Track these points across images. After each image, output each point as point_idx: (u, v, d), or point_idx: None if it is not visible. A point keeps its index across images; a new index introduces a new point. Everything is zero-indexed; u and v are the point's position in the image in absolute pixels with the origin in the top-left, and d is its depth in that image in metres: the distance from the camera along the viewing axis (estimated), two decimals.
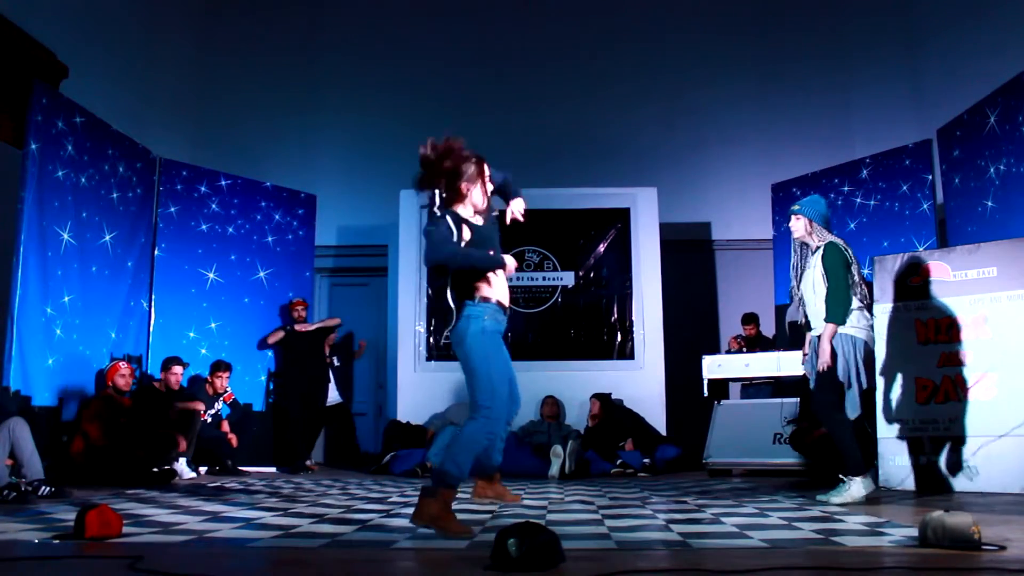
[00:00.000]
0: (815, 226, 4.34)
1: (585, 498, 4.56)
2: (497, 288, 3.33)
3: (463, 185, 3.34)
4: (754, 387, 7.20)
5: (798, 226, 4.37)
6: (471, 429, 3.19)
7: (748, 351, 7.26)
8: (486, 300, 3.28)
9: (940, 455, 4.81)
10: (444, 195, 3.34)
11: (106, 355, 6.55)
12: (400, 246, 8.21)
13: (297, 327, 7.50)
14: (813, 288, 4.30)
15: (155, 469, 5.80)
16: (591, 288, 8.12)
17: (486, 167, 3.45)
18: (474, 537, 2.95)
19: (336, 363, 7.78)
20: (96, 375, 6.39)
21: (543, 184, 8.38)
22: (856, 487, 4.07)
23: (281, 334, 7.60)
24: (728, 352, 7.35)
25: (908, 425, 4.93)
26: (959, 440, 4.74)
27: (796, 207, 4.42)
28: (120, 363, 6.07)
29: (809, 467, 5.63)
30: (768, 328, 8.14)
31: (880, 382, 4.92)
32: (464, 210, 3.38)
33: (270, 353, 7.89)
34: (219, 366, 6.98)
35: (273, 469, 7.28)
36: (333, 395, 7.67)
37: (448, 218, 3.29)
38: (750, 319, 7.71)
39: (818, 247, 4.31)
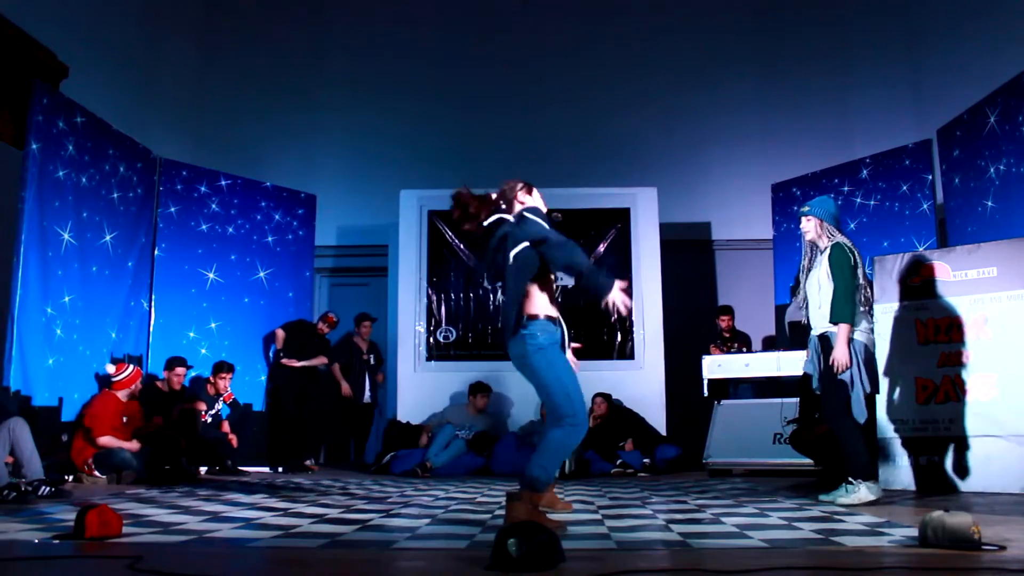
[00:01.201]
0: (825, 226, 4.31)
1: (585, 498, 4.56)
2: (541, 303, 3.40)
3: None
4: (741, 387, 7.17)
5: (809, 227, 4.35)
6: (560, 436, 3.30)
7: (729, 347, 7.23)
8: (534, 317, 3.36)
9: (940, 455, 4.81)
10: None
11: (106, 355, 6.55)
12: (400, 246, 8.21)
13: (284, 360, 7.45)
14: (818, 287, 4.27)
15: (167, 467, 5.83)
16: None
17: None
18: (565, 531, 3.11)
19: (372, 362, 7.85)
20: (102, 378, 6.39)
21: (543, 184, 8.26)
22: (865, 491, 4.02)
23: (280, 342, 7.58)
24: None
25: (908, 425, 4.93)
26: (959, 440, 4.74)
27: (805, 208, 4.39)
28: (139, 370, 6.10)
29: (812, 466, 5.62)
30: (768, 328, 8.14)
31: (882, 382, 4.91)
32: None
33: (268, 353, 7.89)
34: (222, 367, 6.96)
35: (271, 469, 7.27)
36: (367, 394, 7.82)
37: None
38: (727, 310, 7.71)
39: (826, 247, 4.29)
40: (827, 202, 4.42)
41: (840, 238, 4.27)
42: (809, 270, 4.39)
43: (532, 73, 9.37)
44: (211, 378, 6.97)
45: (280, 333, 7.63)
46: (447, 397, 7.70)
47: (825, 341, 4.25)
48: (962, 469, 4.73)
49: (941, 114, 7.09)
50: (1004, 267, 4.79)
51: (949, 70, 8.04)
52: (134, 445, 5.81)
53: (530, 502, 3.26)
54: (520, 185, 3.69)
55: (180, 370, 6.61)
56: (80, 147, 6.30)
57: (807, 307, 4.38)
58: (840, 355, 4.12)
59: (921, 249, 6.73)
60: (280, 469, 7.12)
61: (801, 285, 4.47)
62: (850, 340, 4.14)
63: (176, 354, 6.84)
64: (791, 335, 6.76)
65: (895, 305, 5.06)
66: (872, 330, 4.26)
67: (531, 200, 3.66)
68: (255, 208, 8.11)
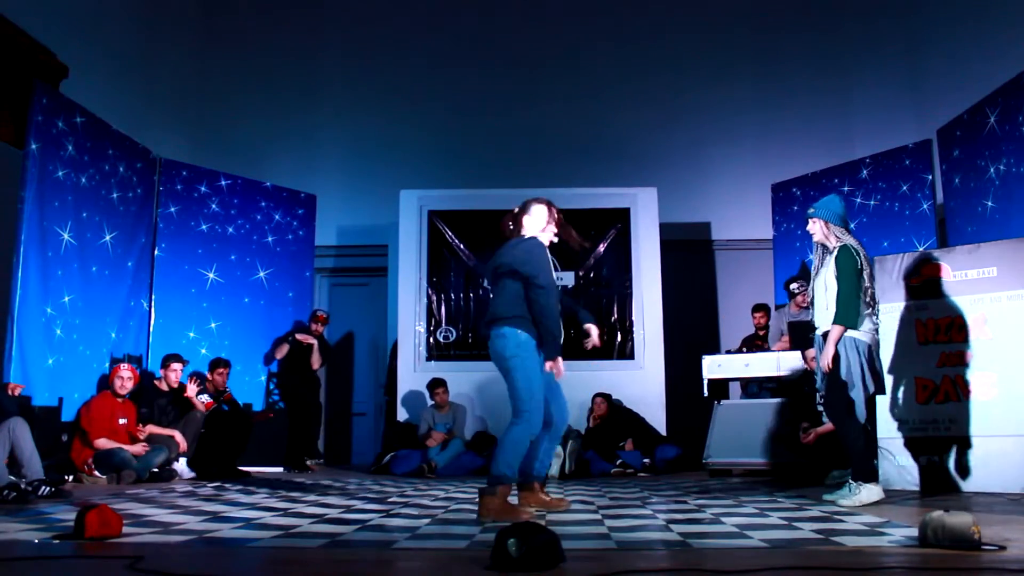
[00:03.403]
0: (831, 227, 4.29)
1: (585, 498, 4.56)
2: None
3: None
4: (757, 386, 7.15)
5: (815, 229, 4.35)
6: (514, 433, 3.59)
7: (761, 345, 7.21)
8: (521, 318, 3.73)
9: (940, 455, 4.81)
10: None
11: (106, 355, 6.55)
12: (400, 246, 8.21)
13: (299, 336, 7.47)
14: (824, 287, 4.27)
15: (155, 469, 5.82)
16: (591, 288, 8.11)
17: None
18: (535, 519, 3.40)
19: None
20: (100, 379, 6.38)
21: (543, 184, 8.37)
22: (867, 492, 4.02)
23: (286, 348, 7.57)
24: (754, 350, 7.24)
25: (908, 425, 4.93)
26: (959, 440, 4.74)
27: (811, 210, 4.39)
28: (120, 366, 6.07)
29: (806, 466, 5.63)
30: None
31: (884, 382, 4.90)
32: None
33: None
34: (218, 363, 6.93)
35: (269, 469, 7.26)
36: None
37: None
38: (761, 307, 7.69)
39: (834, 248, 4.28)
40: (833, 202, 4.40)
41: (848, 239, 4.25)
42: (819, 269, 4.39)
43: (532, 73, 9.37)
44: (208, 375, 6.96)
45: (278, 352, 7.63)
46: (448, 397, 7.69)
47: None
48: (962, 469, 4.72)
49: (941, 114, 7.09)
50: (1004, 267, 4.79)
51: (949, 70, 8.04)
52: (137, 449, 5.81)
53: (501, 495, 3.49)
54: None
55: (176, 366, 6.57)
56: (80, 147, 6.30)
57: (814, 306, 4.39)
58: (824, 356, 4.15)
59: (921, 249, 6.72)
60: (280, 469, 7.12)
61: (810, 285, 4.48)
62: (837, 341, 4.13)
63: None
64: (791, 335, 6.76)
65: (895, 305, 5.06)
66: (877, 329, 4.25)
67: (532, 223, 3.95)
68: (255, 208, 8.11)
